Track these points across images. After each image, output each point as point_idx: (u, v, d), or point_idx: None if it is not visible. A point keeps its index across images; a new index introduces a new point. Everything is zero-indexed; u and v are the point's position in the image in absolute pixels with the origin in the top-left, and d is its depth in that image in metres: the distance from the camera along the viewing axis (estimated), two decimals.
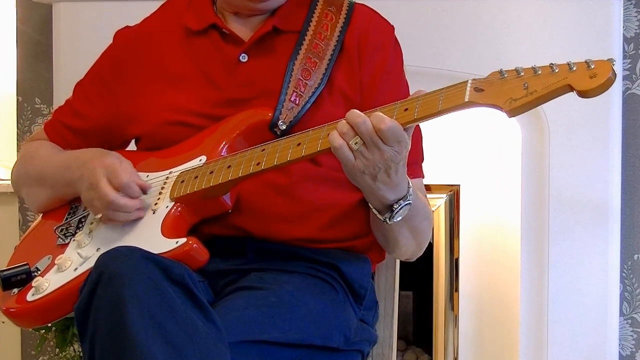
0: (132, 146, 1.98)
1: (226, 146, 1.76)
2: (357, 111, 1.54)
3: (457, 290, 3.01)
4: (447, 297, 3.01)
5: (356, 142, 1.53)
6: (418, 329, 3.18)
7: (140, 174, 1.78)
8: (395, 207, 1.63)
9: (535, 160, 2.82)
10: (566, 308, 2.83)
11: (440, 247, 3.00)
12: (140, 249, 1.48)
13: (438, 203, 2.98)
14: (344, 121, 1.54)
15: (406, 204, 1.63)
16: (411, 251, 1.82)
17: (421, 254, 1.87)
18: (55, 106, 2.70)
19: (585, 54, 2.76)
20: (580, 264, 2.81)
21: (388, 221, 1.65)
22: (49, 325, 2.82)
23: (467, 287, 3.03)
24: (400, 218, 1.65)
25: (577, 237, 2.81)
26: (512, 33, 2.79)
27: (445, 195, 2.99)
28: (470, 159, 3.02)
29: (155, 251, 1.55)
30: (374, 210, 1.66)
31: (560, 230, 2.81)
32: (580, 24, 2.76)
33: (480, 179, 3.03)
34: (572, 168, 2.79)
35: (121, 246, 1.52)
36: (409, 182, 1.63)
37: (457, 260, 3.00)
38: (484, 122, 2.91)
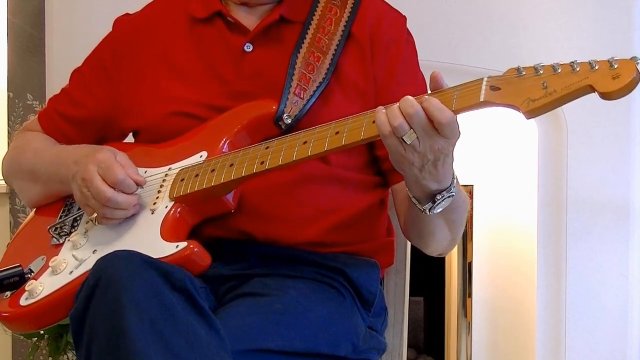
0: (129, 139, 1.97)
1: (228, 141, 1.76)
2: (411, 99, 1.50)
3: (470, 295, 3.01)
4: (459, 303, 3.01)
5: (410, 136, 1.49)
6: (429, 336, 3.18)
7: (137, 169, 1.77)
8: (437, 197, 1.61)
9: (552, 159, 2.83)
10: (585, 314, 2.83)
11: (453, 250, 3.00)
12: (140, 253, 1.48)
13: None
14: (396, 112, 1.50)
15: (449, 196, 1.61)
16: (445, 245, 1.81)
17: (454, 247, 1.86)
18: None
19: (605, 48, 2.77)
20: (599, 268, 2.81)
21: (428, 212, 1.63)
22: (42, 332, 2.83)
23: (480, 293, 3.04)
24: (440, 209, 1.62)
25: (596, 240, 2.81)
26: (528, 26, 2.79)
27: None
28: (484, 157, 3.02)
29: (155, 255, 1.54)
30: (413, 199, 1.64)
31: (578, 232, 2.81)
32: (599, 16, 2.76)
33: (495, 178, 3.03)
34: (591, 167, 2.79)
35: (120, 250, 1.52)
36: (454, 174, 1.62)
37: (470, 264, 3.01)
38: (498, 118, 2.92)
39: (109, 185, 1.69)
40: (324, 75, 1.79)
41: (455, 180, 1.62)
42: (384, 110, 1.52)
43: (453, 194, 1.61)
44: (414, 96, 1.52)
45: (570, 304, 2.81)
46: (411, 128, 1.49)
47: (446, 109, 1.48)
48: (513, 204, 3.01)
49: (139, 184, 1.73)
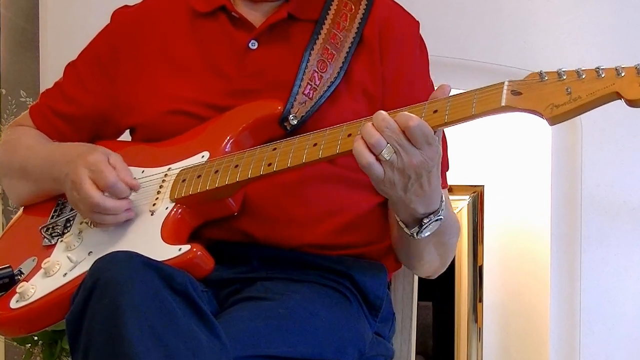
0: (125, 136, 1.97)
1: (231, 141, 1.76)
2: (383, 114, 1.53)
3: (480, 300, 3.02)
4: (469, 308, 3.02)
5: (389, 151, 1.51)
6: (438, 342, 3.18)
7: (134, 168, 1.77)
8: (425, 221, 1.63)
9: (566, 159, 2.83)
10: (600, 320, 2.83)
11: (463, 253, 3.01)
12: (140, 254, 1.48)
13: (460, 205, 2.99)
14: (370, 130, 1.52)
15: (437, 219, 1.63)
16: (434, 268, 1.83)
17: (443, 270, 1.87)
18: None
19: (617, 44, 2.77)
20: (615, 272, 2.82)
21: (415, 236, 1.65)
22: (36, 338, 2.83)
23: (491, 297, 3.04)
24: (428, 233, 1.65)
25: (612, 243, 2.81)
26: (540, 20, 2.79)
27: (467, 197, 3.00)
28: (495, 157, 3.02)
29: (156, 258, 1.54)
30: (400, 223, 1.66)
31: (593, 235, 2.82)
32: (612, 11, 2.77)
33: (506, 179, 3.03)
34: (606, 167, 2.80)
35: (119, 251, 1.52)
36: (442, 196, 1.63)
37: (480, 268, 3.01)
38: (510, 117, 2.92)
39: (99, 189, 1.70)
40: (335, 75, 1.79)
41: (443, 204, 1.64)
42: (361, 140, 1.53)
43: (441, 217, 1.64)
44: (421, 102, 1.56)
45: (585, 310, 2.82)
46: (388, 143, 1.51)
47: (414, 115, 1.51)
48: (525, 205, 3.01)
49: (132, 188, 1.72)
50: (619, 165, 2.79)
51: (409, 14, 1.90)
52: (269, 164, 1.65)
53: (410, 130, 1.50)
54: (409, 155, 1.52)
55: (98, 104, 1.92)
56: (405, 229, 1.66)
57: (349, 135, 1.59)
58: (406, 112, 1.52)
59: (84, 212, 1.73)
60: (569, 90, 1.44)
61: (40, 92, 2.96)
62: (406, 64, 1.84)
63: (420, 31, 1.90)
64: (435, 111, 1.53)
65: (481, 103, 1.50)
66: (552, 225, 2.85)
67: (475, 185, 3.00)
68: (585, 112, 1.45)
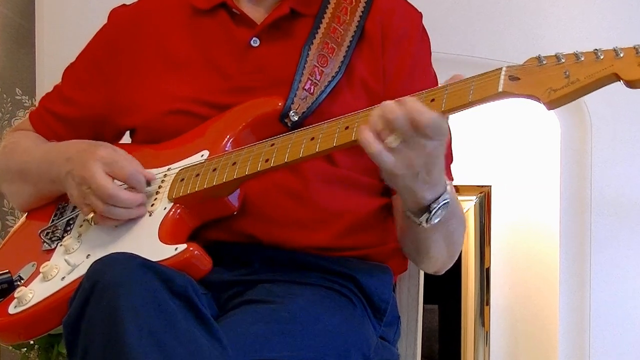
0: (126, 139, 1.97)
1: (231, 140, 1.76)
2: (391, 104, 1.52)
3: (488, 303, 3.02)
4: (476, 311, 3.02)
5: (395, 139, 1.51)
6: (444, 346, 3.19)
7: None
8: (433, 206, 1.62)
9: (575, 158, 2.83)
10: (610, 324, 2.83)
11: (470, 255, 3.01)
12: (138, 256, 1.48)
13: (467, 206, 2.99)
14: (377, 118, 1.52)
15: (444, 203, 1.62)
16: (441, 262, 1.82)
17: (451, 265, 1.87)
18: (39, 97, 2.71)
19: (630, 39, 2.77)
20: (626, 275, 2.82)
21: (425, 224, 1.64)
22: (32, 342, 2.83)
23: (499, 300, 3.04)
24: (438, 220, 1.63)
25: (623, 244, 2.81)
26: (549, 15, 2.79)
27: (474, 197, 3.00)
28: (503, 156, 3.02)
29: (153, 258, 1.55)
30: (408, 213, 1.65)
31: (603, 236, 2.81)
32: (624, 5, 2.76)
33: (514, 179, 3.03)
34: (617, 166, 2.79)
35: (117, 252, 1.52)
36: (445, 180, 1.63)
37: (488, 269, 3.01)
38: (519, 115, 2.92)
39: (112, 181, 1.70)
40: (337, 70, 1.79)
41: (448, 187, 1.63)
42: (368, 130, 1.53)
43: (448, 200, 1.63)
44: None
45: (595, 313, 2.81)
46: (394, 132, 1.51)
47: (426, 111, 1.50)
48: (534, 205, 3.01)
49: (148, 179, 1.74)
50: (629, 165, 2.79)
51: (411, 5, 1.91)
52: (267, 160, 1.65)
53: (425, 128, 1.49)
54: (419, 145, 1.52)
55: (97, 105, 1.93)
56: (414, 218, 1.64)
57: (347, 127, 1.59)
58: (418, 105, 1.50)
59: (95, 205, 1.71)
60: (567, 73, 1.44)
61: (36, 89, 2.99)
62: (407, 56, 1.84)
63: (427, 27, 1.90)
64: (433, 100, 1.53)
65: (478, 90, 1.51)
66: (561, 226, 2.85)
67: (482, 186, 3.00)
68: (585, 94, 1.45)
